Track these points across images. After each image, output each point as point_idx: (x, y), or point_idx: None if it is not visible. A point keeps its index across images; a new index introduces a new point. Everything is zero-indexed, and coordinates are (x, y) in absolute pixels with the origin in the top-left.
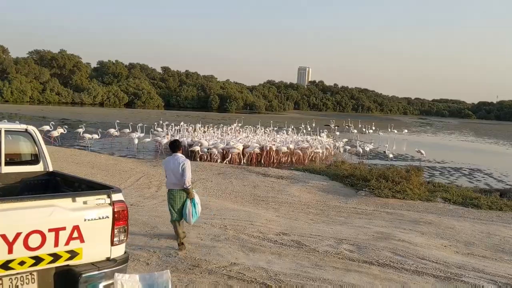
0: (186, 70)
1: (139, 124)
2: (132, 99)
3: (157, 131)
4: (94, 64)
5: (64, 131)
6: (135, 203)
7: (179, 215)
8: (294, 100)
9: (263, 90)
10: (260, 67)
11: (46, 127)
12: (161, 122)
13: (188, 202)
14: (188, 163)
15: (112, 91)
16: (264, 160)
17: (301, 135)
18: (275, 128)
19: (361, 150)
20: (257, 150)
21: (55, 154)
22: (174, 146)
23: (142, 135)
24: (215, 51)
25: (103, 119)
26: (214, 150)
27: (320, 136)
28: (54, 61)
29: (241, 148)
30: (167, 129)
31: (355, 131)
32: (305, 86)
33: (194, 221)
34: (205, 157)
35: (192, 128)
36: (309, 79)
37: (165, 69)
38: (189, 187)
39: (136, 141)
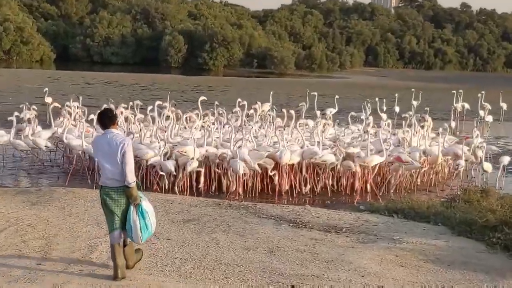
0: None
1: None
2: None
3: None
4: None
5: None
6: None
7: (120, 224)
8: (365, 44)
9: (291, 21)
10: None
11: None
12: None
13: (132, 210)
14: (129, 144)
15: None
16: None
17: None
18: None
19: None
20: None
21: None
22: (106, 118)
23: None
24: None
25: None
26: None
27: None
28: None
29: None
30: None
31: (490, 118)
32: (392, 11)
33: (145, 239)
34: (154, 179)
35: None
36: None
37: None
38: (132, 185)
39: None
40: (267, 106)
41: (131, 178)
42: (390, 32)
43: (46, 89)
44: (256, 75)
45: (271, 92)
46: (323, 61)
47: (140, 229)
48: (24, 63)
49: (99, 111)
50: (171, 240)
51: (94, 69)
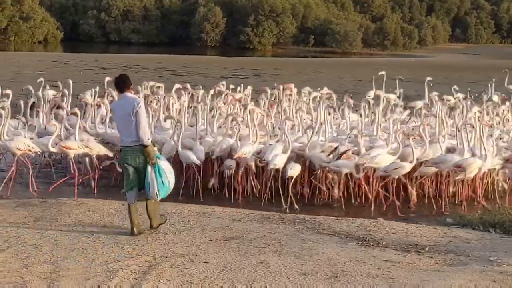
0: None
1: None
2: None
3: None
4: None
5: None
6: None
7: (137, 183)
8: (451, 14)
9: None
10: None
11: None
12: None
13: (150, 169)
14: (142, 106)
15: None
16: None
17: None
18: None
19: None
20: None
21: None
22: (121, 82)
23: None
24: None
25: None
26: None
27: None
28: None
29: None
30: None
31: None
32: None
33: (162, 195)
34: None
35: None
36: None
37: None
38: (147, 142)
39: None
40: (393, 96)
41: (146, 136)
42: None
43: (41, 79)
44: (314, 55)
45: (399, 77)
46: (398, 36)
47: (157, 186)
48: (24, 44)
49: (116, 77)
50: (209, 263)
51: (111, 50)
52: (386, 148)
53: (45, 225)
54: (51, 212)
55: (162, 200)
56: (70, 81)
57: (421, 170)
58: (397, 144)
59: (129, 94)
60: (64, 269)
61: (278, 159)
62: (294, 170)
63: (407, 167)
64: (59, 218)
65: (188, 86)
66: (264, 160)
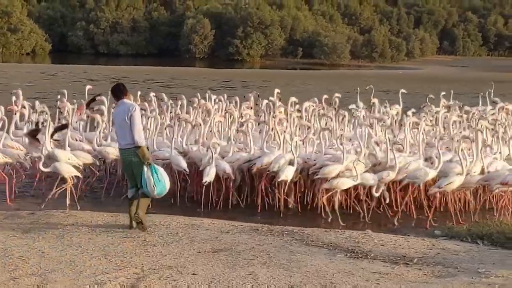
0: None
1: None
2: None
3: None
4: None
5: None
6: None
7: (135, 183)
8: (439, 27)
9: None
10: None
11: None
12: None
13: (146, 169)
14: (137, 110)
15: None
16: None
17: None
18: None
19: None
20: None
21: None
22: (118, 90)
23: None
24: None
25: None
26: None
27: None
28: None
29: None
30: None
31: None
32: None
33: (160, 193)
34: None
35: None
36: None
37: None
38: (141, 144)
39: None
40: (396, 110)
41: (140, 138)
42: (471, 10)
43: (15, 90)
44: (302, 66)
45: (402, 91)
46: (386, 48)
47: (154, 183)
48: (12, 56)
49: (113, 86)
50: (198, 275)
51: (99, 62)
52: (420, 160)
53: (33, 237)
54: (39, 224)
55: (151, 212)
56: (20, 91)
57: (464, 184)
58: (438, 155)
59: (126, 100)
60: (52, 282)
61: (288, 171)
62: (288, 173)
63: (459, 180)
64: (47, 230)
65: (164, 96)
66: (269, 170)
